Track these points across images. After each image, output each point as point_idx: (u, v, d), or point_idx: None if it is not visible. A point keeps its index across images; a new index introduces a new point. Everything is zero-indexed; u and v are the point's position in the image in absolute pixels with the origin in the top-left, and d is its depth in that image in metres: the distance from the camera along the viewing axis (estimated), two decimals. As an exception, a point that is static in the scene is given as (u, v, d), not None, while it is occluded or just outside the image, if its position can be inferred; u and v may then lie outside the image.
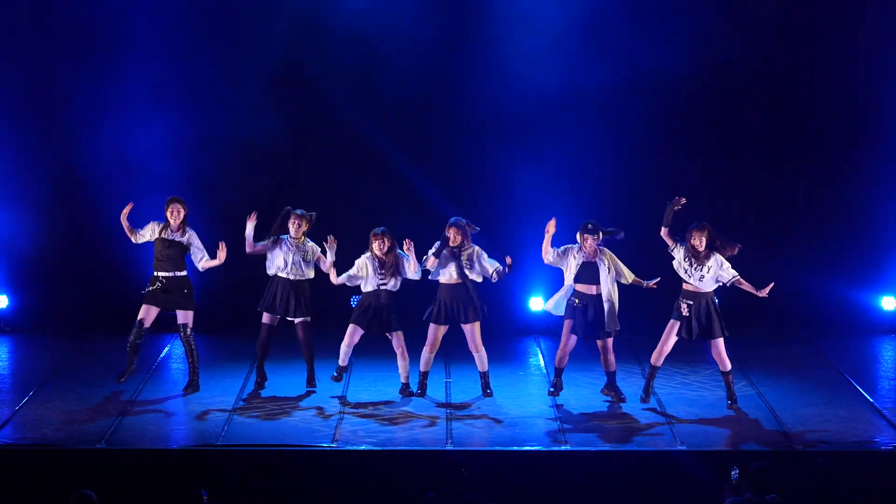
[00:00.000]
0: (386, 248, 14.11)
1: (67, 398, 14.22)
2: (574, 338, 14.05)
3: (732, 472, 10.39)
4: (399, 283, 14.23)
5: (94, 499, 9.57)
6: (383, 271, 14.16)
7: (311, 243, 14.44)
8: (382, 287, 14.18)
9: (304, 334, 14.47)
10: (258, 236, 14.43)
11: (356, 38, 16.91)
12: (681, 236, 13.98)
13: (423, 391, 14.36)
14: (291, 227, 14.38)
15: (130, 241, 14.54)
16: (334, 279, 14.32)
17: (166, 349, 16.35)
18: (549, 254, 14.05)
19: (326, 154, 17.21)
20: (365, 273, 14.20)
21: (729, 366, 14.05)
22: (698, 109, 17.14)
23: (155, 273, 14.41)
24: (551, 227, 14.00)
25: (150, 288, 14.39)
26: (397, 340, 14.28)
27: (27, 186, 17.14)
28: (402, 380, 14.37)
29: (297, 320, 14.44)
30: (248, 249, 14.42)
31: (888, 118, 17.13)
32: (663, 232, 14.01)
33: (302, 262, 14.38)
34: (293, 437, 12.93)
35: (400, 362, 14.33)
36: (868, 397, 14.34)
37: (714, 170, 17.22)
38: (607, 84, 17.00)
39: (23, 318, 17.25)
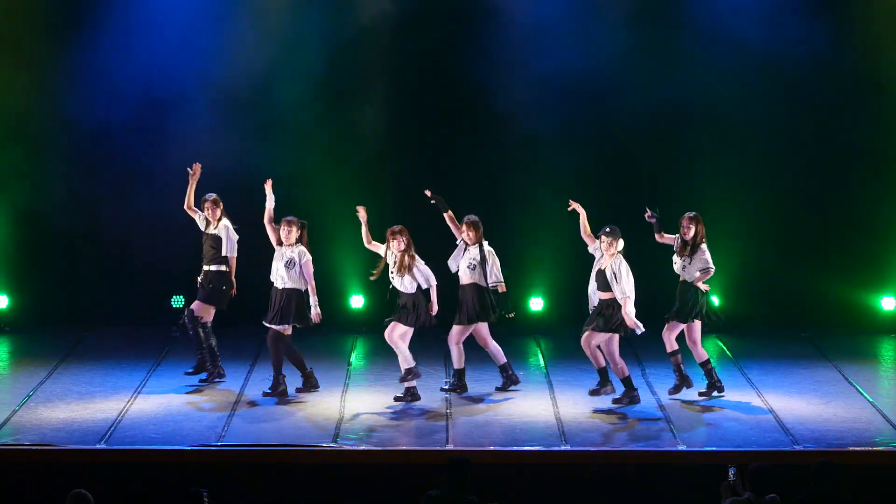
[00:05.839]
0: (402, 247, 13.99)
1: (67, 398, 14.22)
2: (611, 343, 14.00)
3: (730, 471, 10.40)
4: (408, 286, 14.02)
5: (90, 498, 9.56)
6: (393, 270, 14.07)
7: (300, 249, 14.18)
8: (392, 284, 14.13)
9: (269, 342, 14.29)
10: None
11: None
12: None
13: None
14: (282, 234, 14.23)
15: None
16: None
17: (166, 349, 16.35)
18: (588, 237, 14.17)
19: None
20: (383, 259, 14.12)
21: (674, 346, 14.23)
22: (700, 108, 17.13)
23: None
24: (578, 207, 14.20)
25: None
26: (388, 331, 14.16)
27: (25, 185, 17.18)
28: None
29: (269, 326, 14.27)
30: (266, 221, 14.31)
31: (888, 116, 17.13)
32: (659, 238, 14.30)
33: (284, 271, 14.13)
34: (293, 437, 12.93)
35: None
36: (868, 397, 14.34)
37: (714, 169, 17.20)
38: (614, 82, 17.04)
39: (23, 318, 17.26)
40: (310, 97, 17.11)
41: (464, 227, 14.37)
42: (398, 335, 14.10)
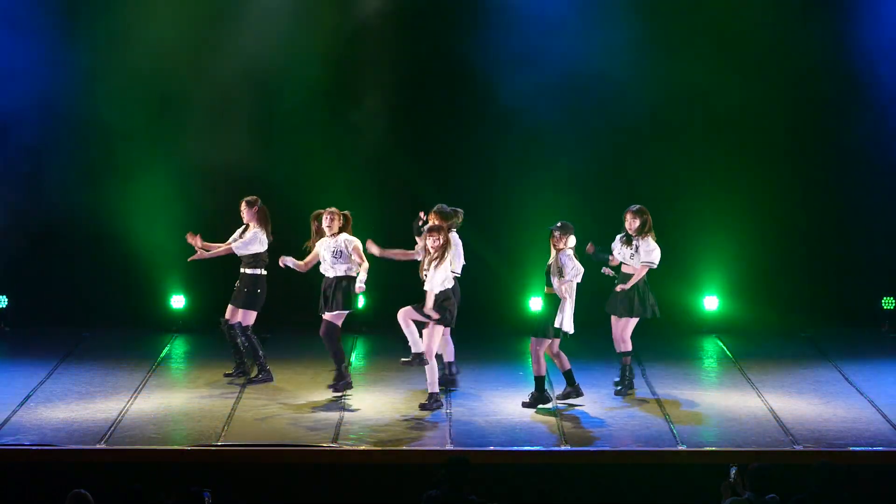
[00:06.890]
0: (436, 244, 13.65)
1: (67, 398, 14.21)
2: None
3: (731, 471, 10.39)
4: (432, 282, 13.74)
5: (90, 499, 9.56)
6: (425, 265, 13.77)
7: (344, 237, 14.18)
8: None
9: (323, 331, 14.29)
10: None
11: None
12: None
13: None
14: (324, 225, 14.23)
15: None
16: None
17: (166, 349, 16.34)
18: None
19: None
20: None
21: (629, 348, 14.30)
22: (701, 106, 17.12)
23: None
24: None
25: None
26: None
27: (25, 183, 17.19)
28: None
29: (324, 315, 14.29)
30: (303, 270, 14.36)
31: (889, 115, 17.13)
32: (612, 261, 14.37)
33: (333, 261, 14.14)
34: (293, 437, 12.92)
35: None
36: (868, 397, 14.34)
37: (713, 168, 17.21)
38: (615, 80, 17.04)
39: (23, 318, 17.25)
40: (311, 95, 17.11)
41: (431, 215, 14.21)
42: (411, 317, 13.76)
